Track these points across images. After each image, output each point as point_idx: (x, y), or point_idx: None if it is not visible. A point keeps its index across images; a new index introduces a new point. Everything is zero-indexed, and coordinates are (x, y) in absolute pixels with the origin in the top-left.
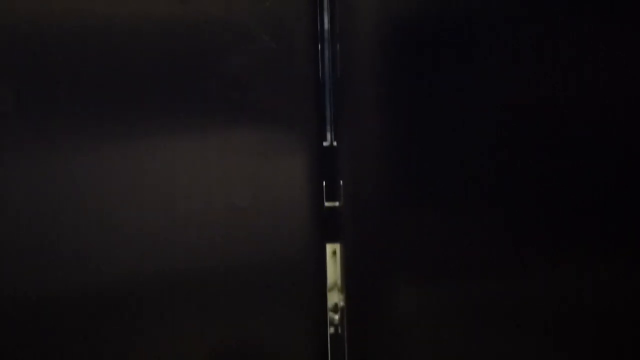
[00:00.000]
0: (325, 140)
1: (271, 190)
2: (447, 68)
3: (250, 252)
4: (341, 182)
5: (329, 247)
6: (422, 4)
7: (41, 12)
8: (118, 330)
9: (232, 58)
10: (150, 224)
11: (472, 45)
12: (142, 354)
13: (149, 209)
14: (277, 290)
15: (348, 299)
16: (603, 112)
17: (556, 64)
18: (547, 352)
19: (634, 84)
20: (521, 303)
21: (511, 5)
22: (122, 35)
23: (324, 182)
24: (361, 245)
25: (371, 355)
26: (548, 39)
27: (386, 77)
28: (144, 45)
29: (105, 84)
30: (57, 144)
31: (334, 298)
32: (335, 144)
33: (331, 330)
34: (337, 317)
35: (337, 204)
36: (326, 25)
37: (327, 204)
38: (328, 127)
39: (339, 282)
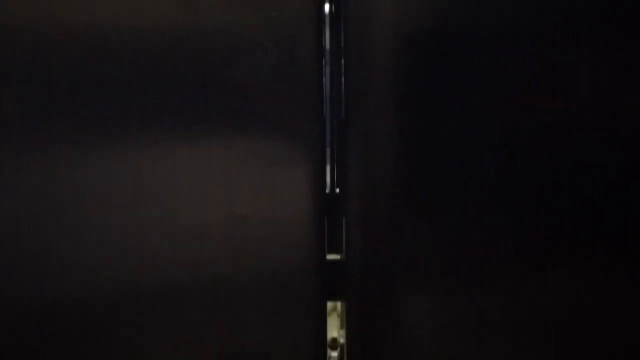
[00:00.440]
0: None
1: (272, 200)
2: (452, 83)
3: (251, 262)
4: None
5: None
6: (428, 17)
7: (46, 20)
8: (116, 340)
9: (237, 68)
10: (151, 234)
11: (475, 59)
12: None
13: (149, 218)
14: (276, 301)
15: (349, 335)
16: (603, 114)
17: (564, 69)
18: (552, 357)
19: (634, 85)
20: (533, 310)
21: (518, 18)
22: (126, 44)
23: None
24: (363, 259)
25: None
26: (556, 48)
27: (391, 90)
28: (148, 54)
29: (107, 92)
30: (57, 152)
31: (334, 326)
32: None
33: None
34: (335, 354)
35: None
36: (328, 37)
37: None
38: (329, 140)
39: (338, 307)
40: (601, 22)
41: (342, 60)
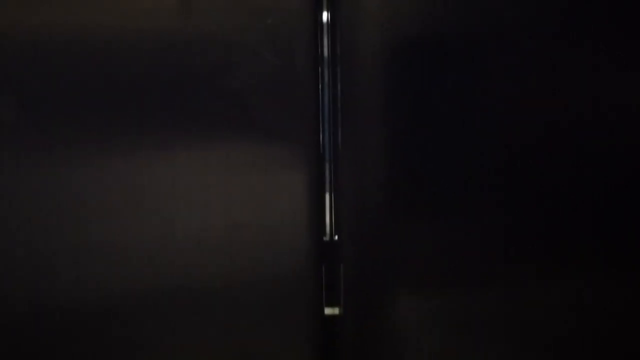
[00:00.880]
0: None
1: (269, 204)
2: (441, 87)
3: (248, 268)
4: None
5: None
6: (417, 25)
7: (46, 26)
8: (112, 344)
9: (234, 74)
10: (148, 239)
11: (464, 63)
12: None
13: (147, 223)
14: (273, 306)
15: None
16: (603, 116)
17: (556, 70)
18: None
19: (633, 86)
20: (524, 310)
21: (507, 24)
22: (125, 51)
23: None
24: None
25: None
26: (541, 59)
27: (385, 97)
28: (146, 60)
29: (105, 98)
30: (56, 158)
31: None
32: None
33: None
34: None
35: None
36: (326, 45)
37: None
38: (326, 144)
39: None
40: (599, 25)
41: (338, 67)
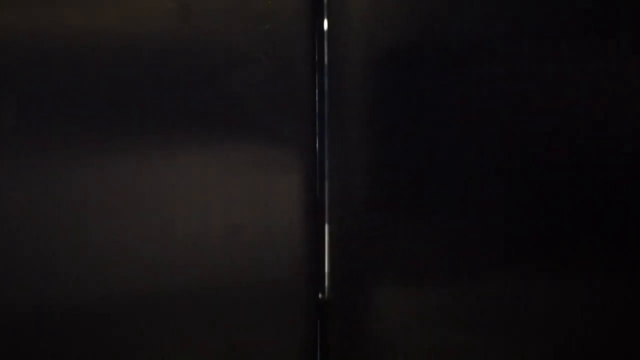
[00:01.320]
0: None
1: (267, 207)
2: (432, 95)
3: (246, 269)
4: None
5: None
6: (409, 33)
7: (46, 29)
8: (114, 343)
9: (231, 78)
10: (147, 241)
11: (456, 70)
12: None
13: (145, 226)
14: (270, 306)
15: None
16: (602, 117)
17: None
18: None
19: (629, 87)
20: (507, 306)
21: (494, 35)
22: (125, 53)
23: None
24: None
25: None
26: (532, 64)
27: (376, 101)
28: (147, 63)
29: (103, 101)
30: (56, 158)
31: None
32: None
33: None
34: None
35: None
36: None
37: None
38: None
39: None
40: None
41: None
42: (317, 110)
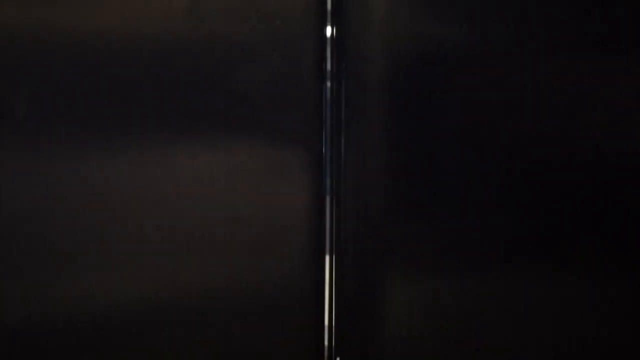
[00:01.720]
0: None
1: (272, 204)
2: (443, 104)
3: (251, 264)
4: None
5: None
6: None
7: (55, 25)
8: (115, 347)
9: (239, 74)
10: (151, 237)
11: (465, 76)
12: None
13: (150, 221)
14: (275, 302)
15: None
16: (603, 119)
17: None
18: (540, 350)
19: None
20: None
21: (508, 46)
22: (130, 49)
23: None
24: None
25: None
26: (540, 79)
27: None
28: (152, 60)
29: (111, 96)
30: (60, 155)
31: None
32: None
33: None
34: None
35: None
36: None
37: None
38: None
39: None
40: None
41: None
42: (324, 109)
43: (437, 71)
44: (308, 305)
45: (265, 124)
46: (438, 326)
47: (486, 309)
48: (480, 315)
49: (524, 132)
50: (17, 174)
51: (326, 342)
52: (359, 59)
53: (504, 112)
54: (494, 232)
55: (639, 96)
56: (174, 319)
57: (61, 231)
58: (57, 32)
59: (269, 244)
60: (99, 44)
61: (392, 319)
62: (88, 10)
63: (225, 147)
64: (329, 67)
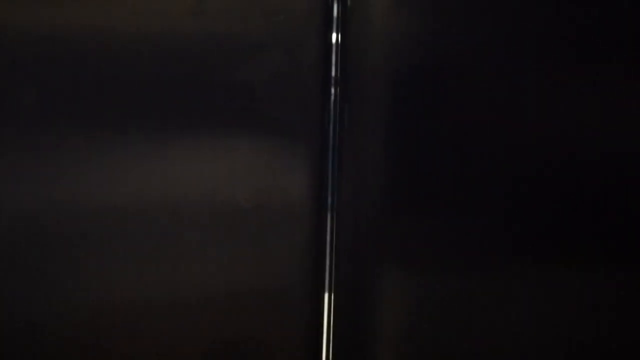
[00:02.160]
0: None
1: (273, 199)
2: (444, 106)
3: (253, 260)
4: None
5: None
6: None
7: (62, 23)
8: (114, 345)
9: (244, 70)
10: (154, 233)
11: (468, 82)
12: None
13: (152, 216)
14: (276, 295)
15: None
16: (603, 119)
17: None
18: (538, 349)
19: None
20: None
21: (515, 51)
22: (137, 45)
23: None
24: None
25: None
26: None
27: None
28: (156, 55)
29: (115, 91)
30: (64, 153)
31: None
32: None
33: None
34: None
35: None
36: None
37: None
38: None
39: None
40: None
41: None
42: (328, 105)
43: (439, 75)
44: (307, 305)
45: (267, 118)
46: (438, 326)
47: (486, 309)
48: (479, 316)
49: (523, 135)
50: (17, 172)
51: (324, 342)
52: (362, 59)
53: (503, 113)
54: (493, 232)
55: None
56: (175, 318)
57: (64, 229)
58: (63, 31)
59: (268, 242)
60: (103, 42)
61: (391, 319)
62: (94, 8)
63: (226, 144)
64: (333, 66)
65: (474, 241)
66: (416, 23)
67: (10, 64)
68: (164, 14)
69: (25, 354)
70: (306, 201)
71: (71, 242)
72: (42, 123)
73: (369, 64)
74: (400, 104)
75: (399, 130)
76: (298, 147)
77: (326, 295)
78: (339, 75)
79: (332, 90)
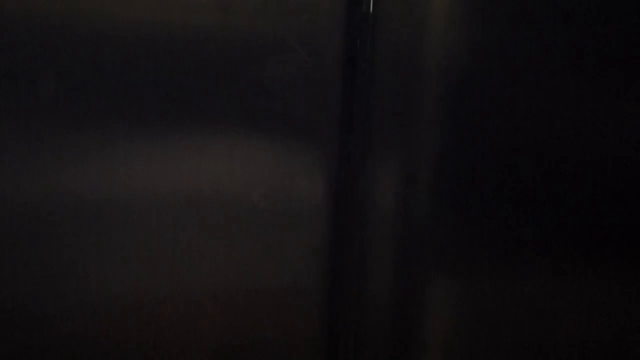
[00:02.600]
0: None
1: (288, 197)
2: (485, 99)
3: (265, 259)
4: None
5: None
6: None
7: (82, 14)
8: (115, 346)
9: (266, 68)
10: (165, 234)
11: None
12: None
13: (166, 215)
14: (289, 294)
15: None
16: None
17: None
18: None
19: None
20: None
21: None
22: (158, 41)
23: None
24: None
25: None
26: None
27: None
28: (178, 49)
29: (136, 85)
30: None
31: None
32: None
33: None
34: None
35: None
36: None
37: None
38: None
39: None
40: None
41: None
42: (348, 105)
43: (471, 76)
44: (323, 306)
45: (288, 122)
46: (438, 326)
47: (487, 308)
48: (480, 315)
49: (576, 140)
50: (17, 171)
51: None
52: (388, 60)
53: (550, 117)
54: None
55: None
56: (186, 318)
57: (68, 226)
58: (81, 22)
59: (283, 242)
60: (124, 36)
61: (411, 321)
62: (116, 1)
63: (244, 142)
64: (357, 66)
65: (489, 245)
66: (448, 24)
67: (16, 54)
68: (187, 9)
69: (27, 350)
70: (323, 202)
71: (84, 240)
72: (61, 117)
73: (395, 66)
74: (428, 106)
75: (427, 133)
76: (317, 149)
77: (340, 297)
78: (364, 75)
79: (355, 93)
